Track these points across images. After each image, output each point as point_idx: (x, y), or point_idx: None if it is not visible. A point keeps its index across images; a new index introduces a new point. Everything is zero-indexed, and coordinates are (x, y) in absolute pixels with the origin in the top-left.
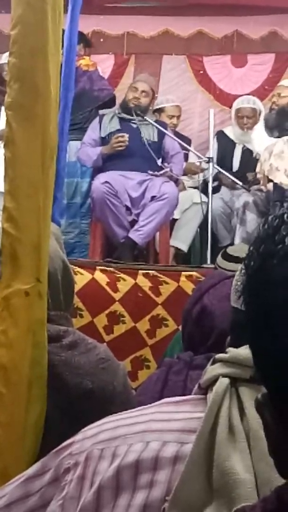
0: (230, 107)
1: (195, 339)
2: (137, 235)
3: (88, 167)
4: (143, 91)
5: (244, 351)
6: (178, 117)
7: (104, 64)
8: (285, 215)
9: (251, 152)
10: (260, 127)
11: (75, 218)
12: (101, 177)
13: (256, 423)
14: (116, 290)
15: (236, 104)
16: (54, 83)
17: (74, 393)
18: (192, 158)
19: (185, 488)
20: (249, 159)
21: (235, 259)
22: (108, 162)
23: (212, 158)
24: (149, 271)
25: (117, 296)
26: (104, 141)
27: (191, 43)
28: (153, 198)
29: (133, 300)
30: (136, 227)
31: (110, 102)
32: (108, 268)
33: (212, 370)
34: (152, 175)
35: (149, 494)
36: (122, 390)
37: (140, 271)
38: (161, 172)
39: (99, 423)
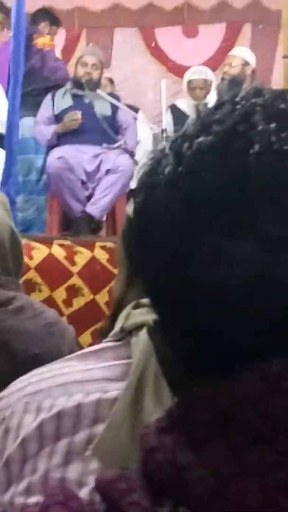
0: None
1: None
2: (94, 209)
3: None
4: (93, 65)
5: None
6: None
7: (56, 40)
8: (165, 148)
9: None
10: (212, 97)
11: (31, 194)
12: (56, 152)
13: None
14: (73, 263)
15: (188, 76)
16: None
17: (20, 358)
18: (142, 129)
19: (109, 437)
20: None
21: None
22: (62, 137)
23: (165, 129)
24: (106, 244)
25: (75, 269)
26: (57, 118)
27: (142, 16)
28: (108, 171)
29: (91, 273)
30: (92, 200)
31: (64, 84)
32: (65, 242)
33: (139, 315)
34: (106, 148)
35: (71, 440)
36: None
37: (97, 244)
38: (115, 145)
39: (27, 376)
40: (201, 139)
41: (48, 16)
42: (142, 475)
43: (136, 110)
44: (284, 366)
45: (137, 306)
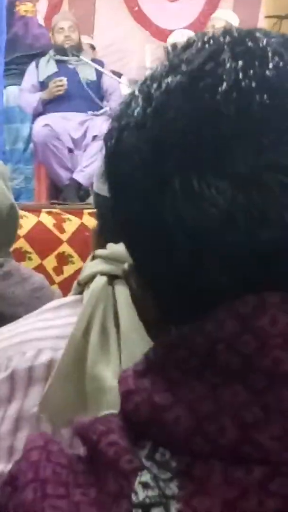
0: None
1: None
2: (82, 176)
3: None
4: (69, 27)
5: (123, 247)
6: None
7: (38, 6)
8: (135, 91)
9: None
10: None
11: (19, 163)
12: (41, 120)
13: (128, 326)
14: (62, 231)
15: (171, 40)
16: None
17: (7, 323)
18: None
19: (55, 392)
20: None
21: None
22: (48, 104)
23: None
24: (94, 210)
25: (64, 237)
26: (42, 85)
27: None
28: (94, 137)
29: (81, 240)
30: (79, 167)
31: (48, 51)
32: (53, 210)
33: (90, 266)
34: (92, 115)
35: (22, 405)
36: None
37: (86, 211)
38: (101, 111)
39: None
40: (169, 79)
41: None
42: (121, 417)
43: (119, 75)
44: (257, 303)
45: (93, 258)
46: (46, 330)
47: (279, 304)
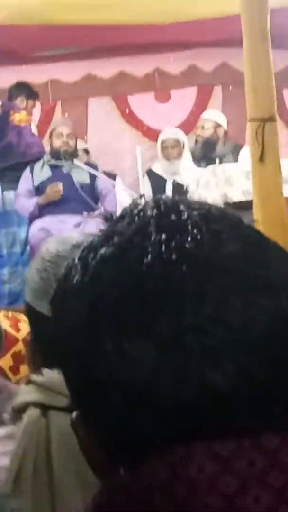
0: None
1: None
2: None
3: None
4: (68, 134)
5: (58, 374)
6: None
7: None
8: (75, 259)
9: (181, 186)
10: (187, 159)
11: (16, 266)
12: (37, 224)
13: (61, 467)
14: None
15: (161, 137)
16: None
17: None
18: (121, 195)
19: None
20: (181, 192)
21: None
22: (43, 208)
23: (143, 194)
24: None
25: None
26: (37, 190)
27: (115, 84)
28: None
29: None
30: None
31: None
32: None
33: (24, 393)
34: (87, 217)
35: None
36: None
37: None
38: (96, 213)
39: None
40: (103, 250)
41: (24, 89)
42: None
43: (113, 176)
44: (185, 453)
45: (28, 382)
46: None
47: (206, 452)
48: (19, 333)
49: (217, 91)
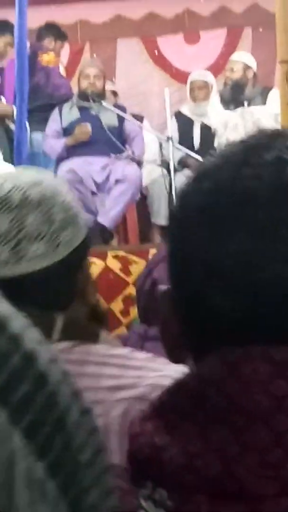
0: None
1: (148, 312)
2: (105, 219)
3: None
4: (95, 75)
5: None
6: None
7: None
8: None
9: (209, 128)
10: (216, 101)
11: None
12: (65, 165)
13: None
14: None
15: (190, 79)
16: None
17: None
18: (148, 137)
19: None
20: (209, 134)
21: None
22: (71, 149)
23: (171, 137)
24: (118, 253)
25: None
26: (66, 131)
27: (144, 25)
28: (117, 181)
29: (105, 282)
30: (103, 210)
31: (68, 100)
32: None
33: None
34: (114, 158)
35: None
36: None
37: (109, 253)
38: (124, 154)
39: None
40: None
41: (52, 30)
42: (127, 458)
43: (141, 118)
44: (242, 354)
45: None
46: None
47: (262, 354)
48: (130, 277)
49: (247, 32)
